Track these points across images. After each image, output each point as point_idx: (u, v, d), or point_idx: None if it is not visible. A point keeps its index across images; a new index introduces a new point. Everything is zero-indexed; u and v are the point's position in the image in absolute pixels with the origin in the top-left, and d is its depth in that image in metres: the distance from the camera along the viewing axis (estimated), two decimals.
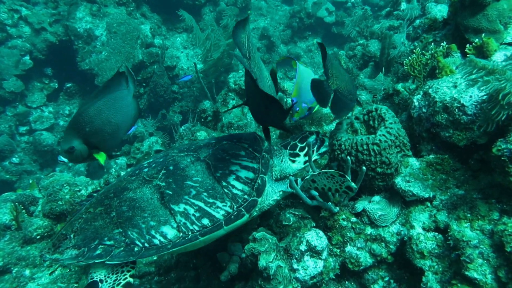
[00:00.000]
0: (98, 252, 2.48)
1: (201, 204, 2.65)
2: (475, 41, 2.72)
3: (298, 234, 2.81)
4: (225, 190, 2.71)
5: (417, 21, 5.69)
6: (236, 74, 6.17)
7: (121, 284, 2.49)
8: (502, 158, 2.17)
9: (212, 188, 2.70)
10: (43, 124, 9.82)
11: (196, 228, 2.59)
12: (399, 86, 3.79)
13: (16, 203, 4.72)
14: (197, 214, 2.62)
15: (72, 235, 2.64)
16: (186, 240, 2.55)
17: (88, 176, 7.63)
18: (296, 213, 3.14)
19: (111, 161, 8.72)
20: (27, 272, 4.28)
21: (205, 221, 2.61)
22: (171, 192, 2.69)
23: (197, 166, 2.82)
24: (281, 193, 2.89)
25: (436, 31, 3.42)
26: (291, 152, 3.06)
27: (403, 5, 6.36)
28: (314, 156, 3.15)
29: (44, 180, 5.51)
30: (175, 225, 2.58)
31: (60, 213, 4.61)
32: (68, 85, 10.15)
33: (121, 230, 2.56)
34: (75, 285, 4.05)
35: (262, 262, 2.65)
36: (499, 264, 2.20)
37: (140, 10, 10.94)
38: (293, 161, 3.07)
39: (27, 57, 9.54)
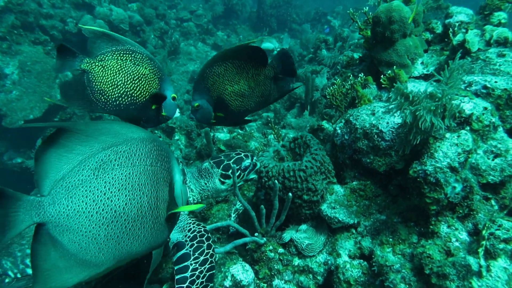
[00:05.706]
0: None
1: None
2: (388, 72, 2.90)
3: (223, 269, 2.63)
4: None
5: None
6: None
7: None
8: (418, 179, 2.24)
9: None
10: None
11: None
12: (324, 122, 3.90)
13: None
14: None
15: None
16: None
17: None
18: None
19: None
20: None
21: None
22: None
23: None
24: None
25: (354, 67, 3.63)
26: (223, 173, 2.86)
27: (324, 52, 6.78)
28: (240, 182, 3.03)
29: None
30: None
31: None
32: None
33: None
34: None
35: None
36: (420, 287, 2.20)
37: None
38: (223, 183, 2.87)
39: None
